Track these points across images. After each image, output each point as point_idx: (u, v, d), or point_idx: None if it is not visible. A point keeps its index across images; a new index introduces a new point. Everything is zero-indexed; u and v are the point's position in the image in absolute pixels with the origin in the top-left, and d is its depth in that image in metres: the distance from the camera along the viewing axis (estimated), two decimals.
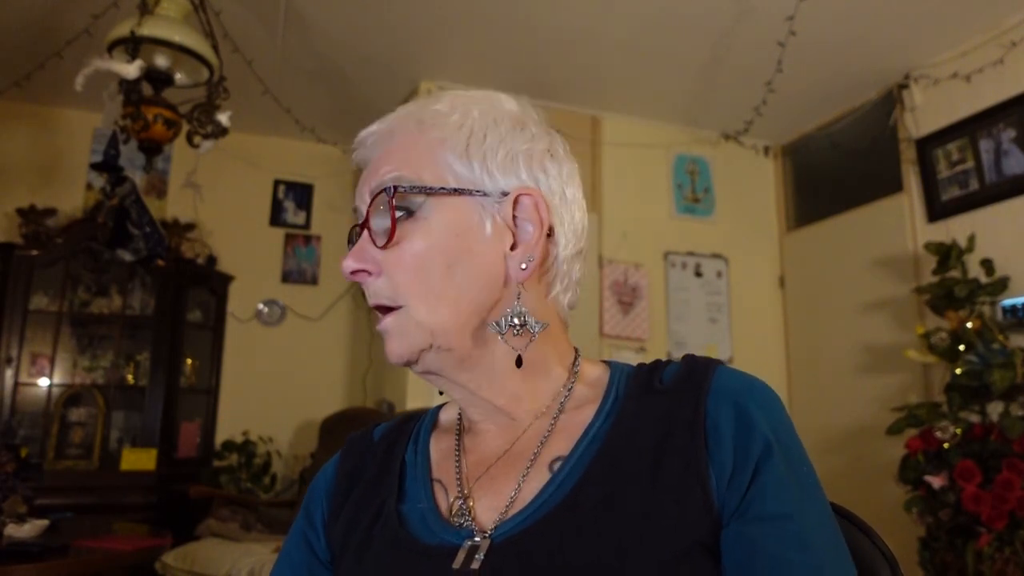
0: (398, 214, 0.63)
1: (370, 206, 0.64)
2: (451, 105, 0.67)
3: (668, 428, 0.60)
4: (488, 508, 0.62)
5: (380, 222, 0.64)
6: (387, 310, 0.65)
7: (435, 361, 0.65)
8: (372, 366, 4.00)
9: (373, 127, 0.69)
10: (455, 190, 0.64)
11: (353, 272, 0.65)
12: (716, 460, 0.58)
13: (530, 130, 0.68)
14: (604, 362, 0.72)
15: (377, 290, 0.65)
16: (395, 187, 0.63)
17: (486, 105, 0.68)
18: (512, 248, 0.65)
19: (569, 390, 0.68)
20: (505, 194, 0.65)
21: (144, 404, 3.57)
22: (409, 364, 0.65)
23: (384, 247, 0.63)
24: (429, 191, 0.63)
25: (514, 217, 0.65)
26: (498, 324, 0.64)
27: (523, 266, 0.64)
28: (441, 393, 0.73)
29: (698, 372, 0.63)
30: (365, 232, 0.65)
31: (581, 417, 0.65)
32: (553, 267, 0.68)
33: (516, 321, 0.64)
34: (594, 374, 0.70)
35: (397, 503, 0.67)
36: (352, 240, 0.68)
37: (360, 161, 0.70)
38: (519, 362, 0.65)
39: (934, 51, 3.20)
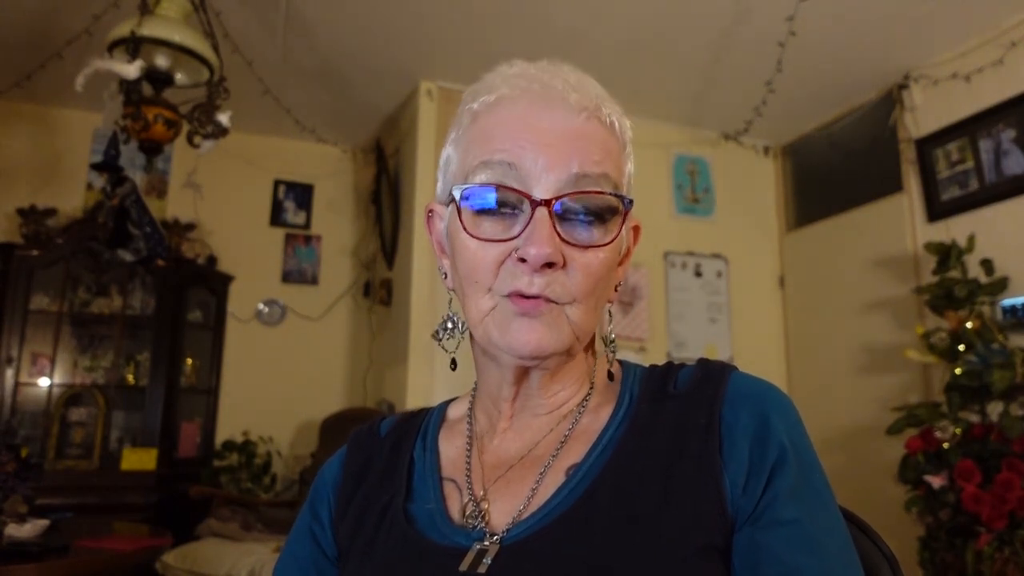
0: (591, 218, 0.62)
1: (593, 194, 0.61)
2: (621, 113, 0.68)
3: (682, 433, 0.60)
4: (503, 511, 0.62)
5: (599, 222, 0.62)
6: (536, 301, 0.60)
7: (557, 361, 0.64)
8: (372, 366, 4.00)
9: (569, 81, 0.63)
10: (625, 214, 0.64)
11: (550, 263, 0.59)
12: (730, 465, 0.58)
13: None
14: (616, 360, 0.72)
15: (555, 284, 0.60)
16: (630, 201, 0.64)
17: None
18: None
19: (589, 392, 0.68)
20: None
21: (144, 404, 3.57)
22: (538, 359, 0.62)
23: (587, 249, 0.61)
24: (626, 213, 0.64)
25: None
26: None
27: (618, 286, 0.70)
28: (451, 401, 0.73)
29: (713, 377, 0.63)
30: (575, 222, 0.61)
31: (598, 421, 0.66)
32: None
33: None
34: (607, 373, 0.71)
35: (405, 501, 0.66)
36: (512, 207, 0.61)
37: (542, 93, 0.63)
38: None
39: (934, 51, 3.20)
